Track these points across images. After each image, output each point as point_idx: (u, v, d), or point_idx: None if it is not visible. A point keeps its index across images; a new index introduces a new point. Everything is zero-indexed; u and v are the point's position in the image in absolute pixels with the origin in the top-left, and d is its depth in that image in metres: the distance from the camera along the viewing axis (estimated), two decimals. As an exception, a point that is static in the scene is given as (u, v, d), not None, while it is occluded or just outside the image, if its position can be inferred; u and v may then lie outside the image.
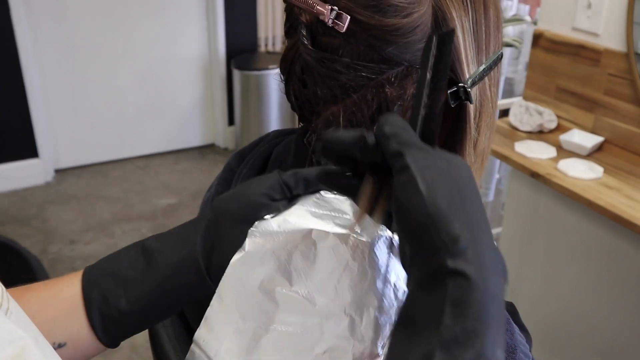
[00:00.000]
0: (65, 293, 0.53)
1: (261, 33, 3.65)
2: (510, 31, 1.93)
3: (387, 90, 0.55)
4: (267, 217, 0.52)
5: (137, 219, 2.93)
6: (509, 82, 2.22)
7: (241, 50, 3.56)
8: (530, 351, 0.71)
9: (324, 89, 0.57)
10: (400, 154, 0.42)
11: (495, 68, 0.62)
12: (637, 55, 1.49)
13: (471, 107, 0.59)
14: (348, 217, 0.52)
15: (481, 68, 0.59)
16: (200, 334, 0.53)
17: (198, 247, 0.52)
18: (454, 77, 0.57)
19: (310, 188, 0.54)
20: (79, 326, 0.53)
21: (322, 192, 0.53)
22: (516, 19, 1.91)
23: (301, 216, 0.52)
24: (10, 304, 0.41)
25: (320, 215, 0.52)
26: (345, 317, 0.51)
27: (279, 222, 0.52)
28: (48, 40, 3.10)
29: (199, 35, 3.49)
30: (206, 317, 0.52)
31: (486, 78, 0.61)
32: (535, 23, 1.77)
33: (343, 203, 0.52)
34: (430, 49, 0.45)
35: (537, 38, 1.68)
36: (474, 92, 0.59)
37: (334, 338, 0.51)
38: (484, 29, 0.59)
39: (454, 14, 0.56)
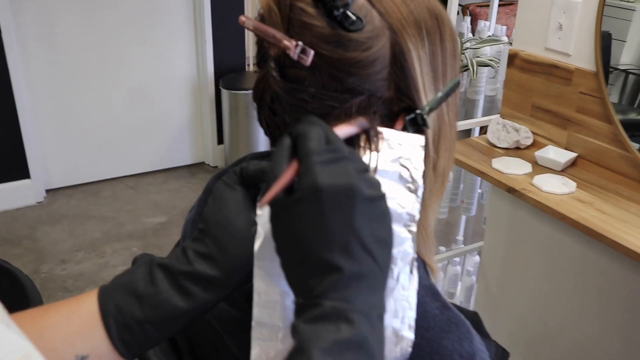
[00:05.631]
0: (84, 308, 0.57)
1: (249, 53, 3.71)
2: (487, 51, 2.00)
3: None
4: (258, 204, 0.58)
5: (127, 238, 2.96)
6: (490, 100, 2.28)
7: (229, 70, 3.62)
8: (494, 358, 0.75)
9: (292, 117, 0.61)
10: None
11: (453, 94, 0.67)
12: (617, 71, 1.55)
13: (429, 132, 0.64)
14: None
15: (439, 95, 0.64)
16: (255, 334, 0.57)
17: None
18: (412, 105, 0.62)
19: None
20: (99, 338, 0.56)
21: None
22: (493, 40, 1.97)
23: None
24: (9, 319, 0.46)
25: None
26: None
27: None
28: (38, 62, 3.14)
29: (188, 56, 3.55)
30: (254, 316, 0.57)
31: (444, 104, 0.66)
32: (511, 43, 1.84)
33: None
34: None
35: (513, 58, 1.73)
36: (431, 117, 0.64)
37: None
38: (440, 59, 0.64)
39: (411, 47, 0.61)
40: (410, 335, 0.58)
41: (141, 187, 3.48)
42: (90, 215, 3.16)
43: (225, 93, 3.45)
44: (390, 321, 0.58)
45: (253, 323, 0.57)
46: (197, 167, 3.76)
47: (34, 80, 3.15)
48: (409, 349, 0.58)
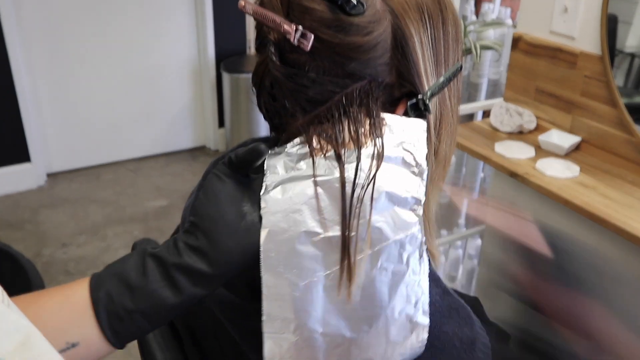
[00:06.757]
0: (76, 296, 0.57)
1: (250, 35, 3.68)
2: (491, 34, 1.97)
3: (350, 107, 0.59)
4: (262, 194, 0.57)
5: (128, 221, 2.96)
6: (493, 83, 2.26)
7: (230, 53, 3.59)
8: (494, 341, 0.75)
9: (292, 102, 0.60)
10: None
11: (455, 79, 0.66)
12: (623, 54, 1.53)
13: (431, 117, 0.63)
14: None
15: (440, 80, 0.63)
16: (267, 328, 0.57)
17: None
18: (414, 90, 0.61)
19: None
20: (89, 326, 0.56)
21: (287, 150, 0.59)
22: (497, 23, 1.95)
23: (291, 178, 0.58)
24: (9, 300, 0.46)
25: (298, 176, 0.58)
26: None
27: (277, 191, 0.57)
28: (38, 45, 3.12)
29: (189, 39, 3.52)
30: (264, 310, 0.57)
31: (446, 89, 0.65)
32: (515, 26, 1.81)
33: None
34: None
35: (517, 41, 1.72)
36: (433, 102, 0.63)
37: None
38: (442, 43, 0.63)
39: (413, 31, 0.60)
40: (425, 320, 0.57)
41: (142, 170, 3.48)
42: (92, 198, 3.16)
43: (226, 76, 3.42)
44: (404, 307, 0.57)
45: (263, 317, 0.56)
46: (198, 150, 3.75)
47: (33, 64, 3.13)
48: (426, 335, 0.57)
